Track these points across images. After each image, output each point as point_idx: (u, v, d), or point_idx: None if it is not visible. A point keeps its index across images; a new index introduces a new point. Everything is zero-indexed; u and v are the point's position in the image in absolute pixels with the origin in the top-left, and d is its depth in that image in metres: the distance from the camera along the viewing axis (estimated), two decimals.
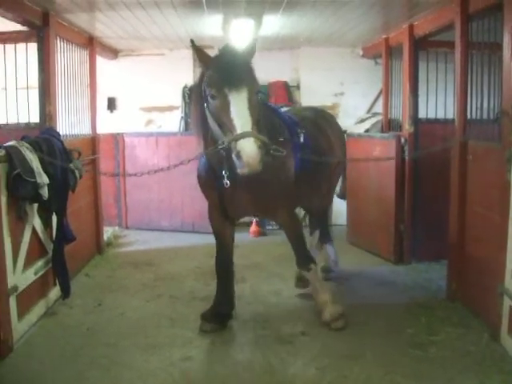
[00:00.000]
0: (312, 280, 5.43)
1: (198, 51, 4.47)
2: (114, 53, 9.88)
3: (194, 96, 4.90)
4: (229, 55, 4.38)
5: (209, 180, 5.03)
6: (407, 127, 7.31)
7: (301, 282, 6.20)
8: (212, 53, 4.58)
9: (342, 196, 9.22)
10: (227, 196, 4.88)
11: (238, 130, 4.03)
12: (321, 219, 6.70)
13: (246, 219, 8.29)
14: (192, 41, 4.46)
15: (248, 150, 3.97)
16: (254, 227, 9.43)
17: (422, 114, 7.48)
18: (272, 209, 5.16)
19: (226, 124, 4.15)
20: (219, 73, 4.23)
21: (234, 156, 4.06)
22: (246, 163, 3.98)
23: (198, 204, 8.88)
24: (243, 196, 4.85)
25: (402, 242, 7.44)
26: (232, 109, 4.10)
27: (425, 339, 5.00)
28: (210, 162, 4.85)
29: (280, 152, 4.45)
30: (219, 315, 5.33)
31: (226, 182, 4.46)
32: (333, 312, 5.27)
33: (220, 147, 4.23)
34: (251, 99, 4.21)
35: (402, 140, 7.31)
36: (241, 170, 4.08)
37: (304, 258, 5.38)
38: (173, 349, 4.91)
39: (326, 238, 6.73)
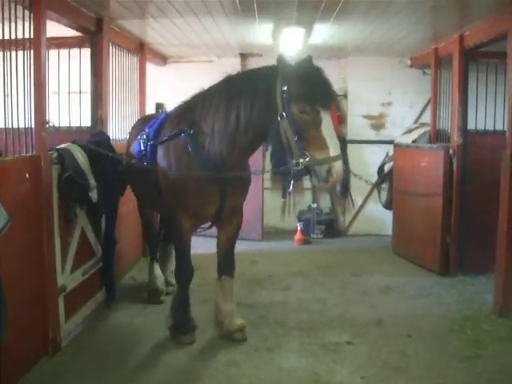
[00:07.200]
0: (229, 287, 5.40)
1: (282, 62, 4.31)
2: (163, 59, 10.06)
3: (259, 107, 4.49)
4: (314, 70, 4.36)
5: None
6: (456, 138, 7.24)
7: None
8: (260, 61, 4.50)
9: (387, 206, 9.21)
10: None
11: (332, 151, 4.13)
12: None
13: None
14: (280, 55, 4.35)
15: (339, 171, 4.16)
16: (298, 235, 9.45)
17: (471, 126, 7.40)
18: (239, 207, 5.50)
19: (311, 141, 4.18)
20: (313, 88, 4.20)
21: (318, 169, 4.20)
22: (332, 182, 4.20)
23: (245, 212, 8.94)
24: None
25: (448, 254, 7.37)
26: (324, 127, 4.15)
27: (471, 353, 4.94)
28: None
29: None
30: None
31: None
32: (239, 323, 5.27)
33: (303, 162, 4.22)
34: None
35: (451, 151, 7.25)
36: (320, 184, 4.32)
37: (234, 263, 5.53)
38: (218, 353, 4.95)
39: None
